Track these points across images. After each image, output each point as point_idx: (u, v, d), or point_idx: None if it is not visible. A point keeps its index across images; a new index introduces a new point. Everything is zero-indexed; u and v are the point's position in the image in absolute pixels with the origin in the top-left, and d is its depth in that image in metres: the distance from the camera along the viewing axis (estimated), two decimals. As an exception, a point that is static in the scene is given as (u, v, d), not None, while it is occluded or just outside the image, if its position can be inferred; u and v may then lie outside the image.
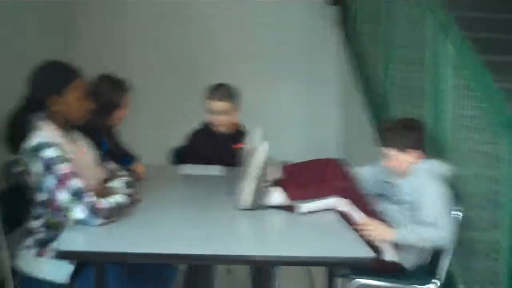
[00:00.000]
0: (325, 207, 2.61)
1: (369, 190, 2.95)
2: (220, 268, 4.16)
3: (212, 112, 3.43)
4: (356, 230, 2.43)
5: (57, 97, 2.33)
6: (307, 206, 2.58)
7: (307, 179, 2.76)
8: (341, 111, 6.03)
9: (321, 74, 5.95)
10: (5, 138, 2.34)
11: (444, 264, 2.78)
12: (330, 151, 5.89)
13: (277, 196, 2.59)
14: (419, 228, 2.66)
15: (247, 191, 2.53)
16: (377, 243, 2.66)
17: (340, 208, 2.63)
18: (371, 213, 2.70)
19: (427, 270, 2.88)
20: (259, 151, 2.59)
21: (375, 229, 2.66)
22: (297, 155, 5.51)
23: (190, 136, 3.63)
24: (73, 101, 2.37)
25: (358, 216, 2.64)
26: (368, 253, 2.03)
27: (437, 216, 2.65)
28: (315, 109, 5.99)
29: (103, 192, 2.38)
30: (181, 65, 5.73)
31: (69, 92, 2.36)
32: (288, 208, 2.57)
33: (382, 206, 2.87)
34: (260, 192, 2.54)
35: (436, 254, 2.89)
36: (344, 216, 2.60)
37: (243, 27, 5.79)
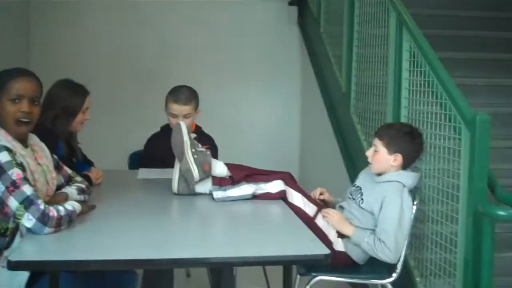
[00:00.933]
0: (246, 193, 2.71)
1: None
2: (180, 272, 4.17)
3: (175, 115, 3.39)
4: (304, 222, 2.44)
5: None
6: (219, 193, 2.71)
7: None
8: (300, 110, 6.03)
9: (282, 74, 5.95)
10: None
11: (400, 258, 2.80)
12: (291, 150, 5.94)
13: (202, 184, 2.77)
14: (374, 239, 2.72)
15: (174, 177, 2.78)
16: (327, 233, 2.75)
17: (275, 191, 2.73)
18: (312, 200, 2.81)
19: (383, 264, 2.90)
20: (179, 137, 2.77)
21: (336, 217, 2.79)
22: (259, 155, 5.61)
23: (148, 140, 3.62)
24: (5, 104, 2.27)
25: (297, 197, 2.74)
26: (323, 249, 2.00)
27: (391, 237, 2.69)
28: (277, 108, 5.99)
29: (56, 198, 2.34)
30: (140, 68, 5.68)
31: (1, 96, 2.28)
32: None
33: (348, 206, 2.93)
34: (183, 174, 2.75)
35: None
36: (293, 208, 2.66)
37: (204, 28, 5.76)
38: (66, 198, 2.38)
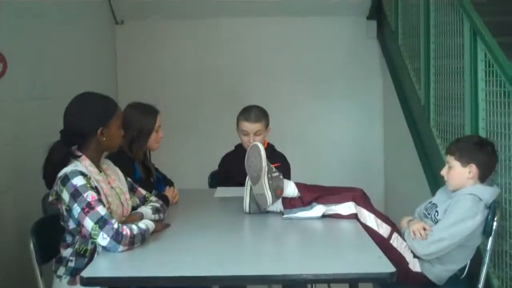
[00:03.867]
0: (315, 215, 2.71)
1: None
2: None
3: (247, 133, 3.48)
4: (378, 243, 2.38)
5: (104, 128, 2.40)
6: (289, 216, 2.73)
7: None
8: (383, 126, 5.93)
9: (363, 90, 5.86)
10: (44, 173, 2.39)
11: (481, 277, 2.72)
12: (375, 166, 5.83)
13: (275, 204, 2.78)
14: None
15: (245, 197, 2.84)
16: (403, 253, 2.70)
17: (345, 213, 2.70)
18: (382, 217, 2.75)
19: (463, 284, 2.83)
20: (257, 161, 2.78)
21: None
22: (342, 172, 5.56)
23: (223, 159, 3.71)
24: (116, 131, 2.47)
25: (370, 218, 2.69)
26: (389, 268, 1.97)
27: (436, 232, 2.68)
28: (359, 125, 5.90)
29: (131, 218, 2.44)
30: (220, 87, 5.77)
31: (113, 122, 2.44)
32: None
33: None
34: (255, 198, 2.79)
35: (474, 266, 2.83)
36: (367, 230, 2.60)
37: (283, 46, 5.78)
38: (141, 217, 2.48)
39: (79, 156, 2.38)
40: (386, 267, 1.99)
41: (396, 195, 5.47)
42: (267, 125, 3.52)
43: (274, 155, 3.50)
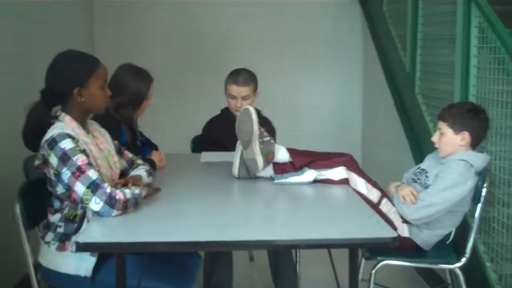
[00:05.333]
0: (307, 180, 2.68)
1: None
2: (243, 256, 4.17)
3: (234, 97, 3.42)
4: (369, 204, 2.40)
5: (81, 88, 2.29)
6: (280, 181, 2.70)
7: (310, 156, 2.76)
8: (363, 92, 5.90)
9: (344, 55, 5.82)
10: (23, 134, 2.31)
11: (469, 242, 2.74)
12: (353, 132, 5.83)
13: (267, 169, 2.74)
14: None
15: (235, 162, 2.77)
16: (392, 219, 2.70)
17: (337, 178, 2.68)
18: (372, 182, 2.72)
19: (451, 249, 2.86)
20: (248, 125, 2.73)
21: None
22: (321, 137, 5.55)
23: (208, 123, 3.64)
24: (96, 91, 2.33)
25: (360, 183, 2.67)
26: (390, 232, 1.96)
27: (427, 197, 2.68)
28: (339, 90, 5.87)
29: (136, 181, 2.34)
30: (203, 52, 5.67)
31: (92, 82, 2.32)
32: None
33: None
34: (246, 163, 2.73)
35: (460, 232, 2.87)
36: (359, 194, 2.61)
37: (264, 11, 5.69)
38: (139, 180, 2.40)
39: (57, 117, 2.29)
40: (387, 232, 1.98)
41: (373, 163, 5.47)
42: (255, 89, 3.47)
43: (260, 120, 3.44)
